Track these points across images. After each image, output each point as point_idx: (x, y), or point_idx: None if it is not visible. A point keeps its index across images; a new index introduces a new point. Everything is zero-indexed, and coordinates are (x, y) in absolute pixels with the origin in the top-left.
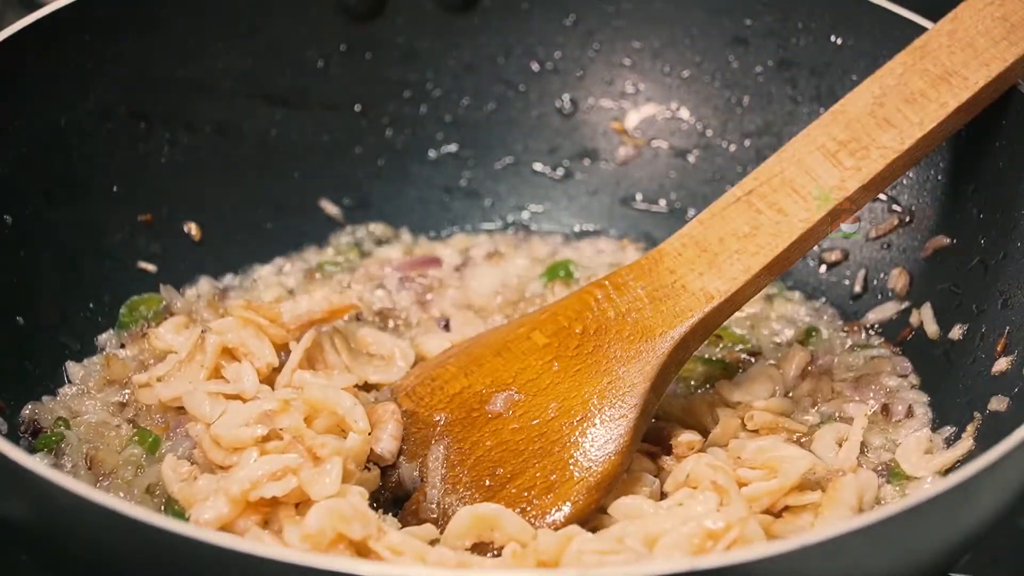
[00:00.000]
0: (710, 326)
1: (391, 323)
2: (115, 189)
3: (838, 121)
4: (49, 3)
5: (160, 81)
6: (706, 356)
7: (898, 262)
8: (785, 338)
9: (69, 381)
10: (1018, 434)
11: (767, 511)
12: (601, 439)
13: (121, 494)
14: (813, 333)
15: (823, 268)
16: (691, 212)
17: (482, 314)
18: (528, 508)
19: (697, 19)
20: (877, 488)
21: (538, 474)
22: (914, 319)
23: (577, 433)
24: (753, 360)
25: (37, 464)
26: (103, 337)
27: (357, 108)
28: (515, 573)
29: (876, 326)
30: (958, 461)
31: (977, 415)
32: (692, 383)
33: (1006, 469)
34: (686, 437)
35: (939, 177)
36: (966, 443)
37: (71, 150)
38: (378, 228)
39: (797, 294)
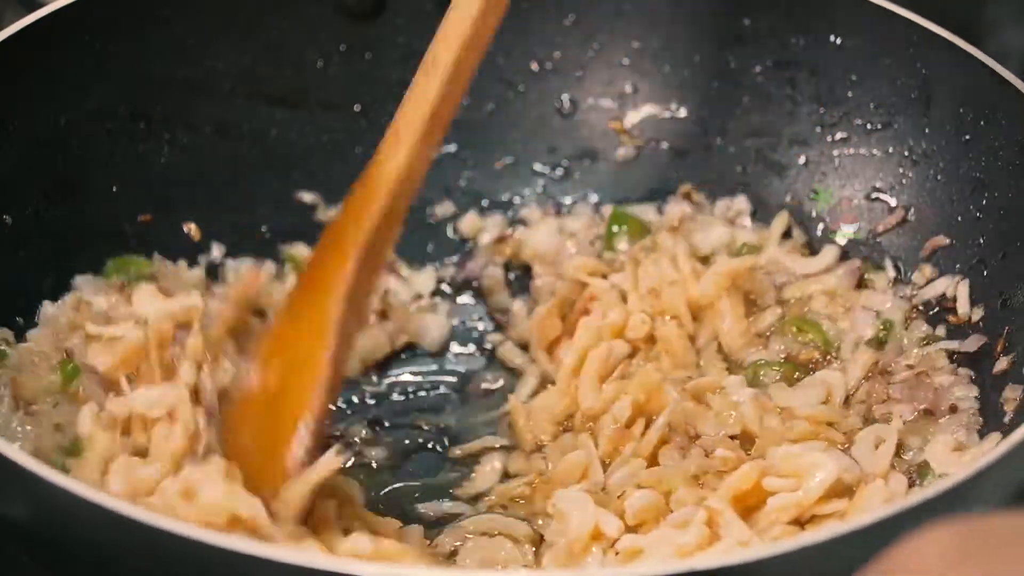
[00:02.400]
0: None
1: None
2: (115, 189)
3: None
4: (49, 3)
5: (160, 81)
6: (778, 359)
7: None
8: (864, 335)
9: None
10: (1018, 434)
11: (794, 521)
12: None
13: (28, 427)
14: (885, 328)
15: None
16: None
17: None
18: None
19: (696, 19)
20: (905, 492)
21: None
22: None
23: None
24: (824, 360)
25: (37, 464)
26: (79, 279)
27: (357, 108)
28: (514, 573)
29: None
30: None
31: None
32: (757, 384)
33: (1007, 469)
34: (721, 453)
35: (938, 177)
36: (993, 438)
37: (71, 150)
38: None
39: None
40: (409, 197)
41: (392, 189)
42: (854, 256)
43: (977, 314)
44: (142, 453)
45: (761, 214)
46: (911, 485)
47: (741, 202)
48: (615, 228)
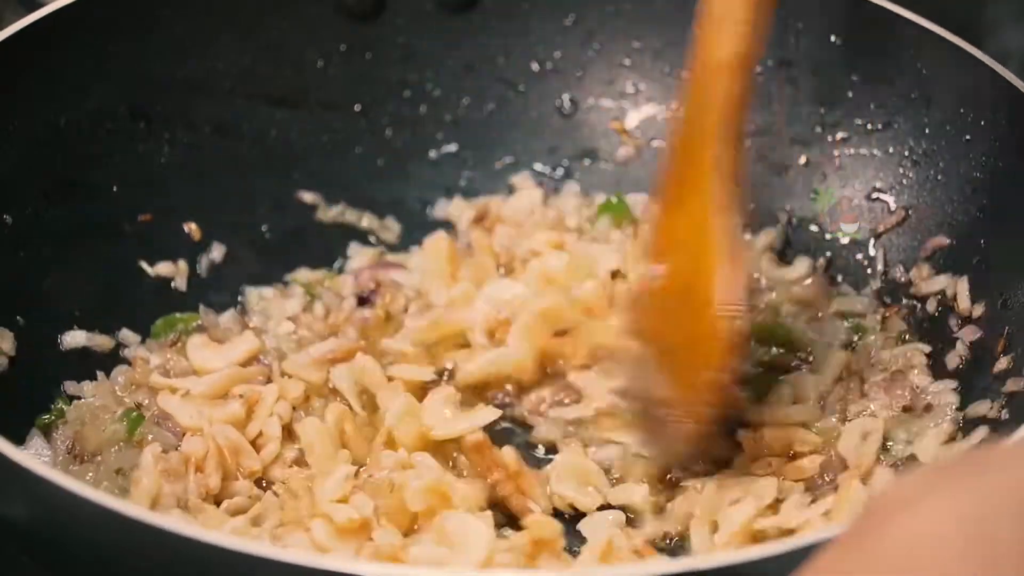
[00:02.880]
0: None
1: None
2: (115, 189)
3: None
4: (49, 3)
5: (160, 81)
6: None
7: (896, 261)
8: (837, 339)
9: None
10: (1018, 435)
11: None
12: None
13: (90, 475)
14: (858, 333)
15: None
16: None
17: None
18: None
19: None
20: None
21: None
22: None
23: None
24: (802, 367)
25: (37, 464)
26: (126, 334)
27: (357, 108)
28: (510, 573)
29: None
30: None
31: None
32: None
33: None
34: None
35: (939, 177)
36: (980, 432)
37: (71, 150)
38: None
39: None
40: (750, 75)
41: (733, 72)
42: (853, 255)
43: (978, 311)
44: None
45: (761, 214)
46: None
47: None
48: (603, 208)
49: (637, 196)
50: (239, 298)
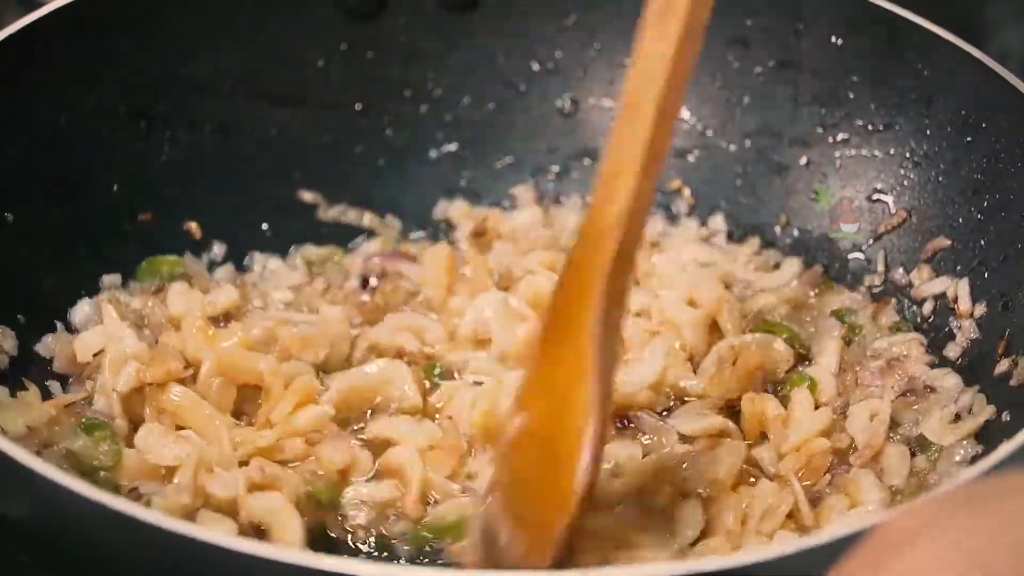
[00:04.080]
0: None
1: None
2: (115, 188)
3: None
4: (48, 2)
5: (160, 80)
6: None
7: (897, 263)
8: (832, 335)
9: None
10: (1019, 438)
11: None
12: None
13: None
14: (852, 330)
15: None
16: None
17: None
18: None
19: None
20: (909, 461)
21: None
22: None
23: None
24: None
25: (37, 464)
26: (107, 280)
27: (358, 107)
28: (502, 574)
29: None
30: (982, 426)
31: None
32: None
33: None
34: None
35: (939, 179)
36: (988, 409)
37: (72, 149)
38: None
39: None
40: (639, 233)
41: (619, 232)
42: (854, 257)
43: (979, 311)
44: None
45: (760, 212)
46: (913, 455)
47: (718, 222)
48: None
49: None
50: (243, 262)
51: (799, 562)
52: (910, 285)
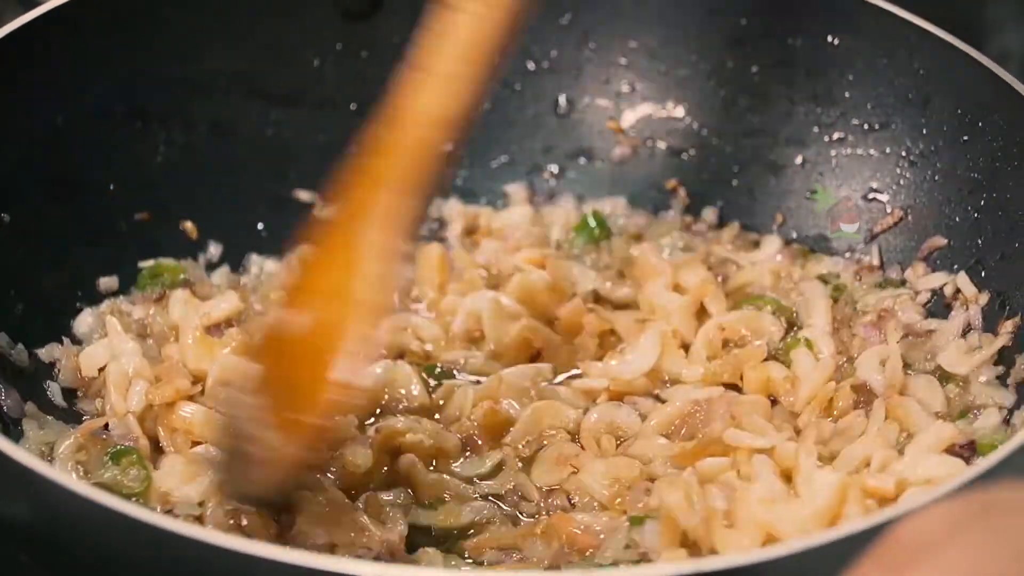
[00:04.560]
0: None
1: None
2: (112, 188)
3: None
4: (47, 1)
5: (157, 80)
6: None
7: (894, 262)
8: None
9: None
10: (1019, 437)
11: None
12: None
13: None
14: (837, 289)
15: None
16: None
17: None
18: None
19: (694, 18)
20: (940, 387)
21: None
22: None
23: None
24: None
25: (37, 463)
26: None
27: (353, 107)
28: (504, 574)
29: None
30: (999, 352)
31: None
32: None
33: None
34: None
35: (936, 178)
36: (1003, 336)
37: (68, 149)
38: None
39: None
40: (452, 134)
41: (425, 129)
42: (851, 256)
43: (983, 299)
44: None
45: (756, 212)
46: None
47: (710, 215)
48: (582, 231)
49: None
50: (241, 265)
51: (803, 562)
52: (904, 283)
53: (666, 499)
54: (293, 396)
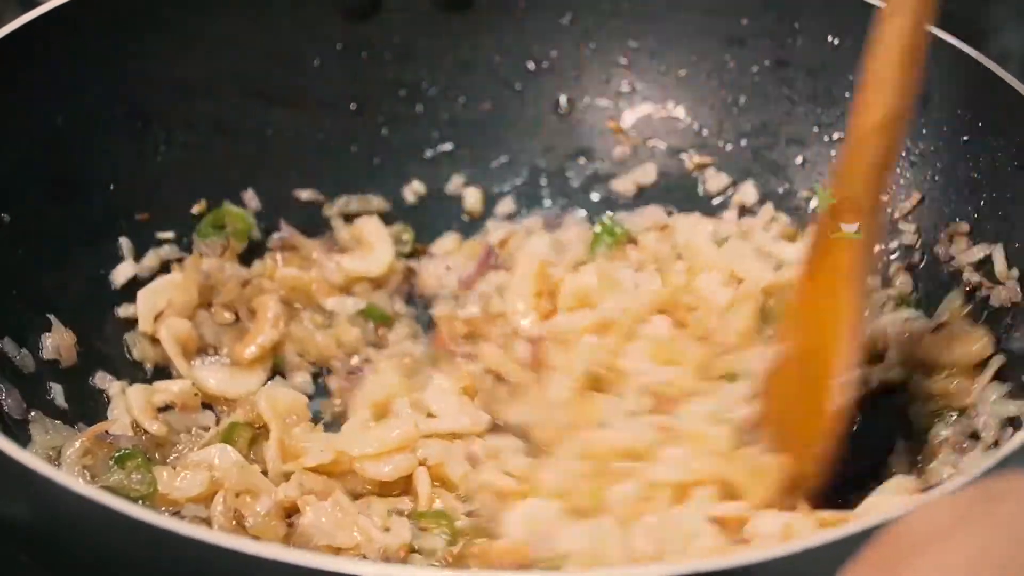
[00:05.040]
0: None
1: None
2: (112, 188)
3: None
4: (46, 2)
5: (157, 80)
6: None
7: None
8: None
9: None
10: (1020, 436)
11: None
12: None
13: None
14: None
15: None
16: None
17: None
18: None
19: (694, 18)
20: None
21: None
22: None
23: None
24: None
25: (38, 464)
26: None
27: (353, 107)
28: (503, 574)
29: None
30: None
31: None
32: None
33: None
34: None
35: (936, 178)
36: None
37: (68, 149)
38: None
39: None
40: (896, 139)
41: (875, 141)
42: None
43: (1014, 275)
44: None
45: (754, 211)
46: None
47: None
48: (600, 238)
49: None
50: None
51: (804, 561)
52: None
53: None
54: (796, 426)
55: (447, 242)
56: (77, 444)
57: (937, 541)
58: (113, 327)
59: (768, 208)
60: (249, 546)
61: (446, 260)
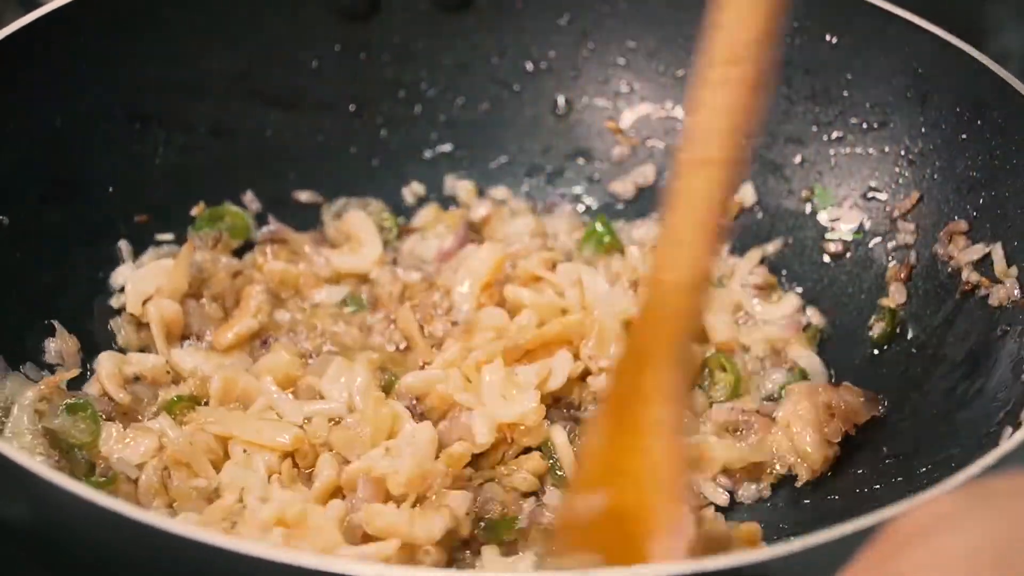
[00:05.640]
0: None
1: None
2: (111, 190)
3: None
4: (47, 3)
5: (156, 82)
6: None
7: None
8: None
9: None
10: (1021, 434)
11: None
12: None
13: None
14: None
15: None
16: None
17: None
18: None
19: (692, 18)
20: None
21: None
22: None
23: None
24: None
25: (37, 464)
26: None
27: (351, 108)
28: (518, 572)
29: None
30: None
31: None
32: None
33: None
34: None
35: (935, 176)
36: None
37: (67, 151)
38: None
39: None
40: (704, 296)
41: (680, 296)
42: (849, 255)
43: (1013, 273)
44: None
45: (754, 212)
46: None
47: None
48: (590, 238)
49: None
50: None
51: (804, 560)
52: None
53: None
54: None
55: (427, 213)
56: (36, 388)
57: (935, 535)
58: (112, 328)
59: (755, 253)
60: (249, 546)
61: (426, 233)
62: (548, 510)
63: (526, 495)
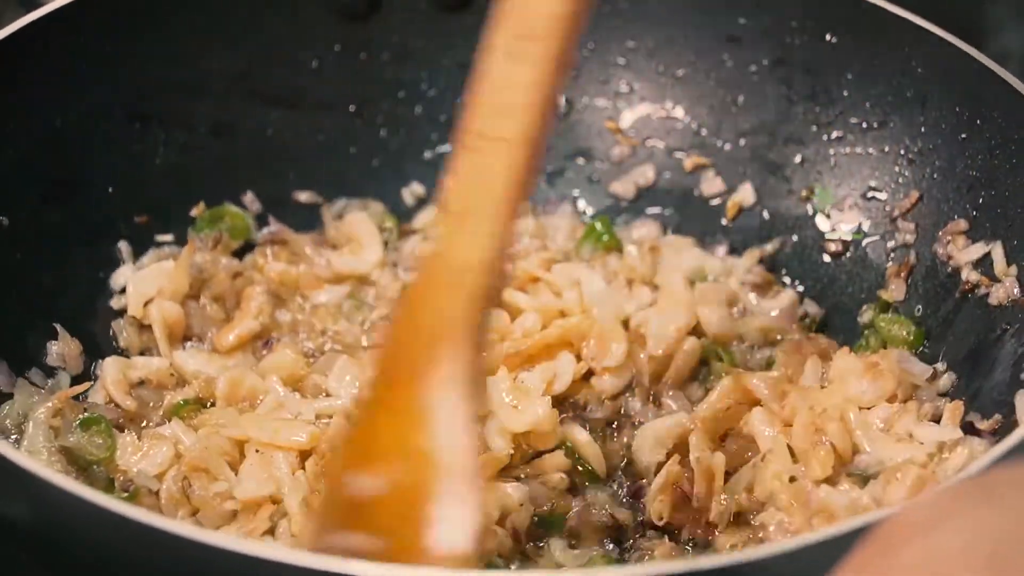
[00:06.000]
0: None
1: None
2: (111, 190)
3: None
4: (47, 3)
5: (156, 82)
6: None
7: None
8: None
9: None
10: (1018, 433)
11: None
12: None
13: None
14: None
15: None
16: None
17: None
18: None
19: (691, 18)
20: None
21: None
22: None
23: None
24: None
25: (37, 464)
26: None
27: (351, 108)
28: (526, 572)
29: None
30: None
31: None
32: None
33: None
34: None
35: (934, 176)
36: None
37: (67, 151)
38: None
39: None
40: (492, 283)
41: (465, 275)
42: (847, 255)
43: (1013, 272)
44: None
45: (754, 211)
46: None
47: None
48: (589, 237)
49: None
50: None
51: (803, 558)
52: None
53: None
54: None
55: (428, 215)
56: (50, 404)
57: (932, 531)
58: (114, 330)
59: (754, 252)
60: (249, 546)
61: (426, 234)
62: (595, 507)
63: (564, 493)
